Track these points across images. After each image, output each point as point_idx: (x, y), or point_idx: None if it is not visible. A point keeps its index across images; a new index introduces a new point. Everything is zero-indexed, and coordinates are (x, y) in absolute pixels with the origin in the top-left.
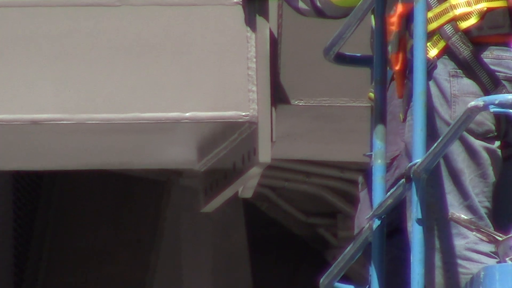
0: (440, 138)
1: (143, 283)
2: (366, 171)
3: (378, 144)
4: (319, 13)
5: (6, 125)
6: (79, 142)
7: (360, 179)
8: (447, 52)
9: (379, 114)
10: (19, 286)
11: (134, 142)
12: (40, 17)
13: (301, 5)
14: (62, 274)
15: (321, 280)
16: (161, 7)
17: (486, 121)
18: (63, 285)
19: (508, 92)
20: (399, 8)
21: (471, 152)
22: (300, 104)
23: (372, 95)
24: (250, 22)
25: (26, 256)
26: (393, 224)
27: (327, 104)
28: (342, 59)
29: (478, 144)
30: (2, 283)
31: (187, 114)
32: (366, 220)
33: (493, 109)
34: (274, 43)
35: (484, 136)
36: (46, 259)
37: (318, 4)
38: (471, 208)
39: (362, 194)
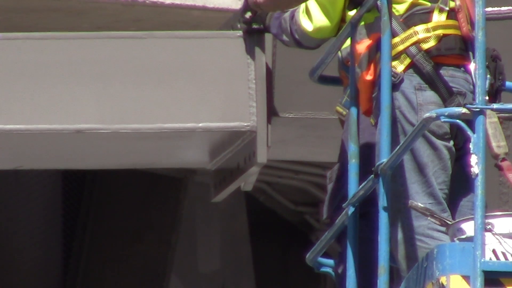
0: (402, 142)
1: (166, 258)
2: (332, 168)
3: (353, 147)
4: (297, 43)
5: (56, 133)
6: (115, 147)
7: (328, 174)
8: (412, 67)
9: (354, 123)
10: (67, 259)
11: (158, 146)
12: (84, 47)
13: (285, 37)
14: (101, 249)
15: (307, 255)
16: (179, 39)
17: (444, 124)
18: (102, 258)
19: (459, 103)
20: (373, 38)
21: (434, 149)
22: (290, 116)
23: (339, 108)
24: (250, 52)
25: (73, 235)
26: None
27: (311, 116)
28: (324, 80)
29: (439, 143)
30: (53, 257)
31: (200, 124)
32: (333, 208)
33: (443, 119)
34: (269, 69)
35: (443, 137)
36: (89, 238)
37: (297, 36)
38: (432, 195)
39: (329, 187)
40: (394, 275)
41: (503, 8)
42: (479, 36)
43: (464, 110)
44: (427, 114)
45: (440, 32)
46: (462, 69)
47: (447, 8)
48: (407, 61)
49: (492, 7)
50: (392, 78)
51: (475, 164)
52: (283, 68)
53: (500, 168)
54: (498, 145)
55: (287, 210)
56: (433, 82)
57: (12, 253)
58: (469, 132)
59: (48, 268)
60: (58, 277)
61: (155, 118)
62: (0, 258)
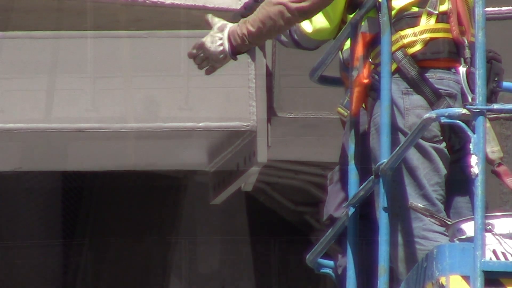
0: (402, 143)
1: (166, 257)
2: (333, 169)
3: (353, 147)
4: (296, 44)
5: (56, 132)
6: (115, 147)
7: (329, 175)
8: (399, 72)
9: (354, 124)
10: (67, 259)
11: (158, 147)
12: (84, 47)
13: (283, 38)
14: (101, 249)
15: (307, 256)
16: (180, 38)
17: (433, 127)
18: (101, 259)
19: (449, 105)
20: (363, 38)
21: (423, 152)
22: (290, 116)
23: (340, 109)
24: (250, 52)
25: (73, 235)
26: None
27: (311, 116)
28: (324, 80)
29: (427, 145)
30: (53, 257)
31: (200, 124)
32: (333, 209)
33: (443, 120)
34: (269, 69)
35: (432, 140)
36: (89, 238)
37: (296, 37)
38: (425, 196)
39: (330, 188)
40: (394, 275)
41: (503, 8)
42: (479, 36)
43: (464, 110)
44: (427, 115)
45: (427, 36)
46: (452, 70)
47: (436, 12)
48: (394, 66)
49: (492, 7)
50: (377, 83)
51: (475, 164)
52: (283, 68)
53: (496, 173)
54: (492, 150)
55: (287, 210)
56: (418, 86)
57: (12, 253)
58: (469, 133)
59: (48, 267)
60: (58, 277)
61: (155, 117)
62: (0, 258)
